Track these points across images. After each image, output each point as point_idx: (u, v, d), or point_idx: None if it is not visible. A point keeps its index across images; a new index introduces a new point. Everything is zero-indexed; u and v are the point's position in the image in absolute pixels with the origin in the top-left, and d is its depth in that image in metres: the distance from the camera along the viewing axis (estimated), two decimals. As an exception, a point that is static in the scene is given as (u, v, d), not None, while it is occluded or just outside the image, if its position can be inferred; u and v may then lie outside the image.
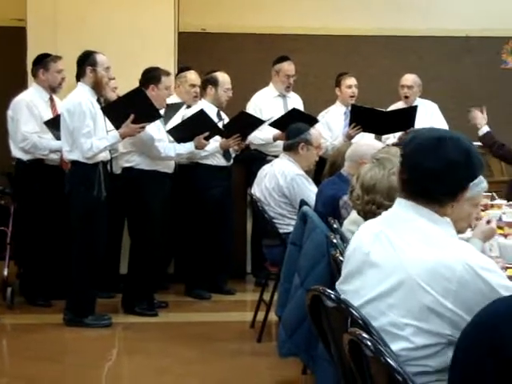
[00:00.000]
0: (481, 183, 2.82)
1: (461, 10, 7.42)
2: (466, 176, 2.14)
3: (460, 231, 2.28)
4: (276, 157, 5.51)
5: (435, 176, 2.09)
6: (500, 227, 3.84)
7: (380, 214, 2.36)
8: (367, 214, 3.06)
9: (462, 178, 2.13)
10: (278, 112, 6.18)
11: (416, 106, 6.22)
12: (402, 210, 2.16)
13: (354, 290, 2.17)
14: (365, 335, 1.79)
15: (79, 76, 5.08)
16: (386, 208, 2.76)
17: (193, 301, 5.86)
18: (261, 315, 4.91)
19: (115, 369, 4.38)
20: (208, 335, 4.99)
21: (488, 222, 3.06)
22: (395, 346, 2.00)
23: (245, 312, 5.52)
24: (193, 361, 4.48)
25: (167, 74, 5.41)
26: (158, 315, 5.40)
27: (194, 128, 5.51)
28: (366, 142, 4.42)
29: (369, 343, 1.75)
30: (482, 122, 5.79)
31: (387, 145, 6.02)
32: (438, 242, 2.05)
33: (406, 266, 2.04)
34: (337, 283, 2.30)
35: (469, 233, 3.15)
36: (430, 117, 6.56)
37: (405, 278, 2.02)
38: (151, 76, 5.32)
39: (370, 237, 2.20)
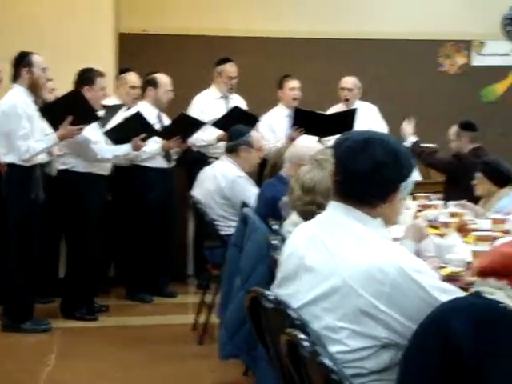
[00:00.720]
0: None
1: (399, 14, 7.53)
2: (394, 177, 2.14)
3: (392, 225, 2.31)
4: (217, 159, 5.51)
5: (364, 178, 2.11)
6: (436, 227, 3.92)
7: (320, 214, 2.37)
8: (307, 215, 3.08)
9: (391, 178, 2.14)
10: (220, 113, 6.17)
11: (356, 109, 6.29)
12: (335, 212, 2.18)
13: (290, 294, 2.17)
14: (302, 336, 1.80)
15: (15, 77, 4.98)
16: (326, 208, 2.79)
17: (134, 304, 5.82)
18: (203, 317, 4.91)
19: (53, 374, 4.30)
20: (149, 338, 4.96)
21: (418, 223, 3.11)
22: (331, 349, 2.01)
23: (186, 315, 5.50)
24: (133, 364, 4.44)
25: (102, 75, 5.35)
26: (98, 319, 5.35)
27: (131, 129, 5.48)
28: (304, 143, 4.43)
29: (306, 344, 1.76)
30: (407, 133, 6.10)
31: (326, 146, 6.10)
32: (371, 245, 2.07)
33: (341, 269, 2.04)
34: (272, 287, 2.30)
35: (401, 231, 3.20)
36: (369, 119, 6.65)
37: (339, 282, 2.03)
38: (86, 77, 5.26)
39: (305, 240, 2.20)
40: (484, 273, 1.86)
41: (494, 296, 1.78)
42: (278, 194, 3.93)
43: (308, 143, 4.42)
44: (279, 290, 2.24)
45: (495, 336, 1.68)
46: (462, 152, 5.76)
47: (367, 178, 2.10)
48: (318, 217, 2.27)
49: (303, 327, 2.01)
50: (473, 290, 1.91)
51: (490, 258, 1.89)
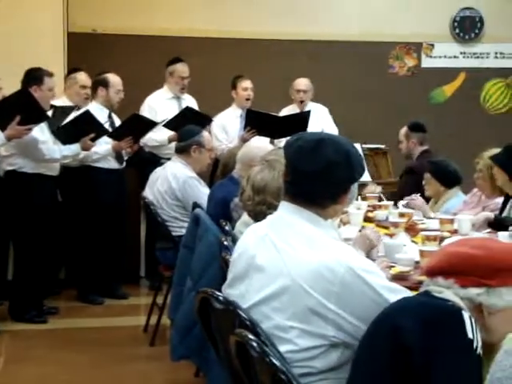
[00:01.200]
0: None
1: (350, 15, 7.60)
2: (345, 178, 2.16)
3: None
4: (169, 159, 5.48)
5: (314, 178, 2.11)
6: (386, 227, 3.97)
7: (270, 214, 2.38)
8: (258, 215, 3.09)
9: (342, 179, 2.15)
10: (172, 114, 6.14)
11: (309, 111, 6.33)
12: (286, 213, 2.18)
13: (240, 294, 2.18)
14: (250, 336, 1.81)
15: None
16: (276, 208, 2.81)
17: (85, 306, 5.76)
18: (154, 319, 4.88)
19: (1, 378, 4.24)
20: (100, 340, 4.91)
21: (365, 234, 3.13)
22: (281, 349, 2.01)
23: (138, 316, 5.47)
24: (83, 367, 4.40)
25: (50, 74, 5.26)
26: (48, 322, 5.28)
27: (80, 129, 5.41)
28: (256, 144, 4.44)
29: (254, 344, 1.77)
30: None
31: (278, 147, 6.12)
32: (321, 245, 2.08)
33: (290, 269, 2.05)
34: (223, 287, 2.30)
35: (352, 232, 3.23)
36: (321, 120, 6.70)
37: (289, 282, 2.04)
38: (33, 76, 5.17)
39: (256, 240, 2.21)
40: (432, 272, 1.89)
41: (442, 295, 1.81)
42: (229, 195, 3.93)
43: (259, 144, 4.43)
44: (230, 290, 2.24)
45: (443, 334, 1.71)
46: (412, 165, 5.78)
47: (318, 178, 2.11)
48: (269, 217, 2.28)
49: (253, 327, 2.01)
50: (422, 289, 1.94)
51: (437, 258, 1.92)
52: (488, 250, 1.86)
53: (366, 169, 2.26)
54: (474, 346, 1.70)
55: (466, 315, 1.73)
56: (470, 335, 1.70)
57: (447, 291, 1.82)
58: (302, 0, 7.55)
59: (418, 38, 7.80)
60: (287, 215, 2.17)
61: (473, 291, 1.82)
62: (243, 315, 2.05)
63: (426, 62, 7.87)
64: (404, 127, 5.93)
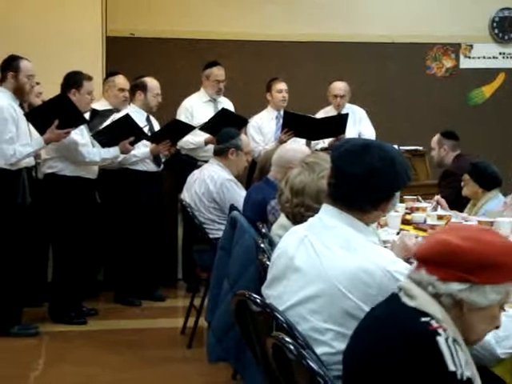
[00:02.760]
0: None
1: (387, 16, 7.56)
2: (388, 185, 2.14)
3: None
4: (206, 162, 5.50)
5: (355, 182, 2.11)
6: (424, 230, 3.94)
7: (308, 216, 2.37)
8: (296, 217, 3.09)
9: (384, 186, 2.14)
10: (209, 117, 6.17)
11: (347, 114, 6.31)
12: (327, 215, 2.19)
13: (277, 295, 2.19)
14: (287, 339, 1.80)
15: (1, 80, 4.96)
16: (315, 210, 2.80)
17: (123, 308, 5.80)
18: (192, 321, 4.90)
19: (42, 379, 4.29)
20: (138, 342, 4.94)
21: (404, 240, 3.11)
22: (317, 351, 2.01)
23: (176, 318, 5.48)
24: (122, 369, 4.43)
25: (89, 78, 5.33)
26: (87, 323, 5.33)
27: (119, 132, 5.46)
28: (291, 147, 4.44)
29: (291, 347, 1.76)
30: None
31: (315, 150, 6.11)
32: (359, 248, 2.08)
33: (328, 272, 2.05)
34: (262, 287, 2.31)
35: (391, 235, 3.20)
36: (358, 122, 6.67)
37: (326, 284, 2.04)
38: (73, 80, 5.24)
39: (295, 241, 2.22)
40: (419, 258, 1.80)
41: (415, 303, 1.73)
42: (265, 197, 3.93)
43: (295, 147, 4.43)
44: (268, 291, 2.25)
45: (420, 368, 1.63)
46: (449, 168, 5.72)
47: (359, 183, 2.10)
48: (309, 220, 2.28)
49: (290, 330, 2.01)
50: (402, 279, 1.86)
51: (426, 244, 1.82)
52: (476, 242, 1.73)
53: (411, 178, 2.22)
54: (458, 375, 1.60)
55: (441, 342, 1.64)
56: (451, 367, 1.61)
57: (421, 295, 1.73)
58: (337, 2, 7.54)
59: (456, 38, 7.73)
60: (327, 218, 2.18)
61: (455, 287, 1.72)
62: (280, 318, 2.05)
63: (465, 63, 7.79)
64: (437, 134, 5.88)
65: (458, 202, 5.02)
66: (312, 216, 2.69)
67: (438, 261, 1.74)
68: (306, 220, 2.79)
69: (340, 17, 7.45)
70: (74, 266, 5.27)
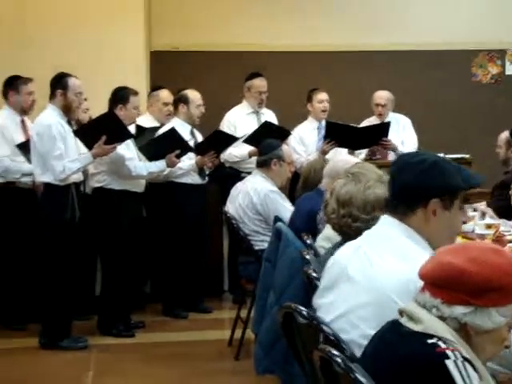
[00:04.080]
0: None
1: (431, 24, 7.50)
2: (437, 185, 2.13)
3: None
4: (250, 173, 5.51)
5: (408, 188, 2.14)
6: (472, 239, 3.87)
7: (355, 227, 2.36)
8: (342, 228, 3.06)
9: (433, 186, 2.13)
10: (251, 129, 6.19)
11: (389, 122, 6.27)
12: (383, 225, 2.21)
13: (329, 303, 2.19)
14: (334, 352, 1.79)
15: (50, 97, 5.05)
16: (362, 221, 2.79)
17: (170, 320, 5.83)
18: (238, 333, 4.90)
19: (91, 391, 4.35)
20: (186, 354, 4.96)
21: None
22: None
23: (222, 330, 5.49)
24: (171, 381, 4.45)
25: (135, 93, 5.41)
26: (135, 336, 5.36)
27: (165, 146, 5.52)
28: (342, 158, 4.43)
29: (338, 360, 1.75)
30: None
31: (361, 159, 6.08)
32: (414, 260, 2.05)
33: (382, 281, 2.06)
34: (314, 298, 2.31)
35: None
36: (401, 131, 6.61)
37: (379, 293, 2.05)
38: (119, 96, 5.32)
39: (350, 251, 2.24)
40: (423, 278, 1.77)
41: (420, 327, 1.70)
42: (315, 208, 3.91)
43: (345, 157, 4.41)
44: (319, 300, 2.26)
45: None
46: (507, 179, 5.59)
47: (411, 188, 2.13)
48: (366, 231, 2.30)
49: (337, 343, 2.00)
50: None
51: (430, 265, 1.78)
52: (482, 265, 1.68)
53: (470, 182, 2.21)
54: None
55: (450, 366, 1.60)
56: None
57: (427, 317, 1.70)
58: (381, 11, 7.50)
59: (502, 45, 7.62)
60: (384, 228, 2.20)
61: (459, 310, 1.69)
62: (327, 330, 2.04)
63: (511, 69, 7.68)
64: (505, 132, 5.75)
65: (510, 211, 4.92)
66: (359, 226, 2.68)
67: (442, 283, 1.71)
68: (352, 231, 2.78)
69: (383, 26, 7.41)
70: (121, 279, 5.32)
